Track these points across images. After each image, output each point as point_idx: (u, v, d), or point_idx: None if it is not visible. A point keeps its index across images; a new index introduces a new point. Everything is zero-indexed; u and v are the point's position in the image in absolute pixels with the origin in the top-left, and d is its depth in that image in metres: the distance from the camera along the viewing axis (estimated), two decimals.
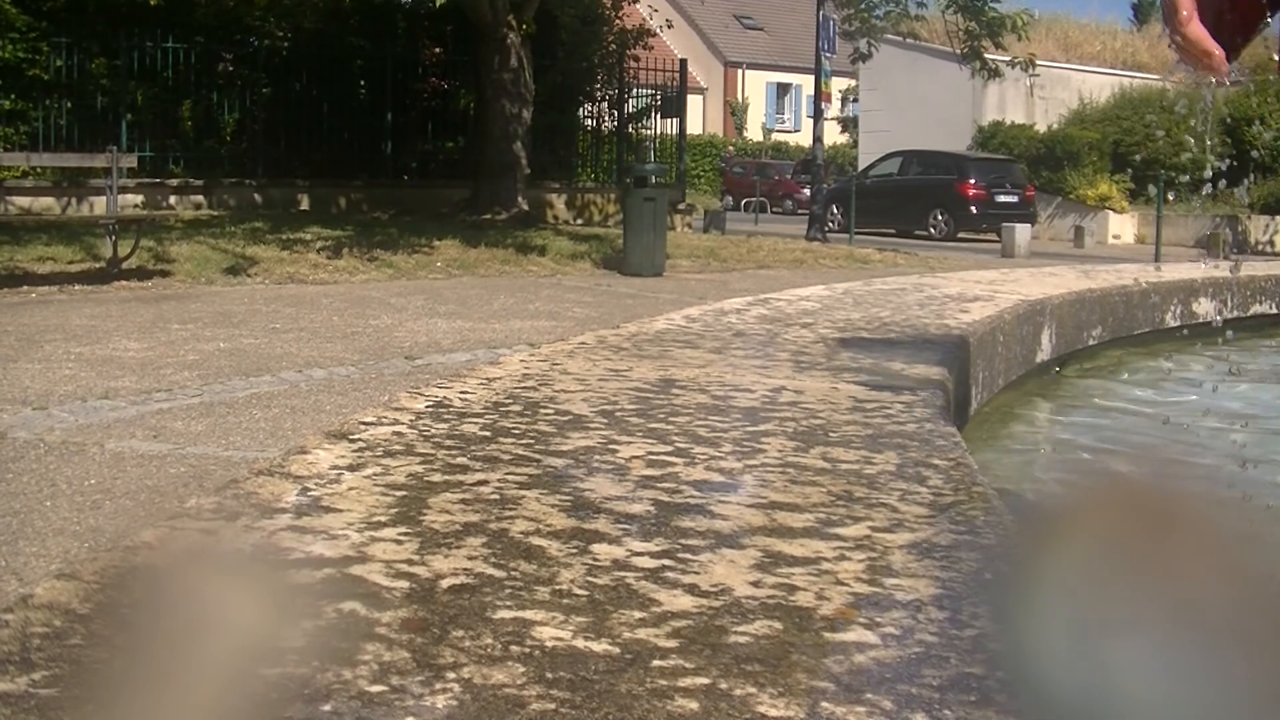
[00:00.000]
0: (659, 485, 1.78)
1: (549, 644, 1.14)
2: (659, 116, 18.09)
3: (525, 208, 14.41)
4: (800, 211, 26.54)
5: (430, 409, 2.35)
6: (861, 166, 25.70)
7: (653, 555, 1.43)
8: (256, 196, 14.59)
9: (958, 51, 17.48)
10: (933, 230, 21.81)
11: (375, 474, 1.80)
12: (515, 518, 1.58)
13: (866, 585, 1.34)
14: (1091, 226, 22.42)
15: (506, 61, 14.07)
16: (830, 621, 1.23)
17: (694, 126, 35.95)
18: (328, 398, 4.89)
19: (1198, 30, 1.44)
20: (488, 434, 2.14)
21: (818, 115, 18.39)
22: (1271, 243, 21.91)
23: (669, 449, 2.04)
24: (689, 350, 3.39)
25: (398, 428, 2.16)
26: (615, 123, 17.86)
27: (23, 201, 12.48)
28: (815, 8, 18.15)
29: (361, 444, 2.00)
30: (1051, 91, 25.73)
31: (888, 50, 21.37)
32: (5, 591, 2.55)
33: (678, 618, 1.22)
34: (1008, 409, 4.81)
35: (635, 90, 17.89)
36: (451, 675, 1.06)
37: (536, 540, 1.48)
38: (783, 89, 45.27)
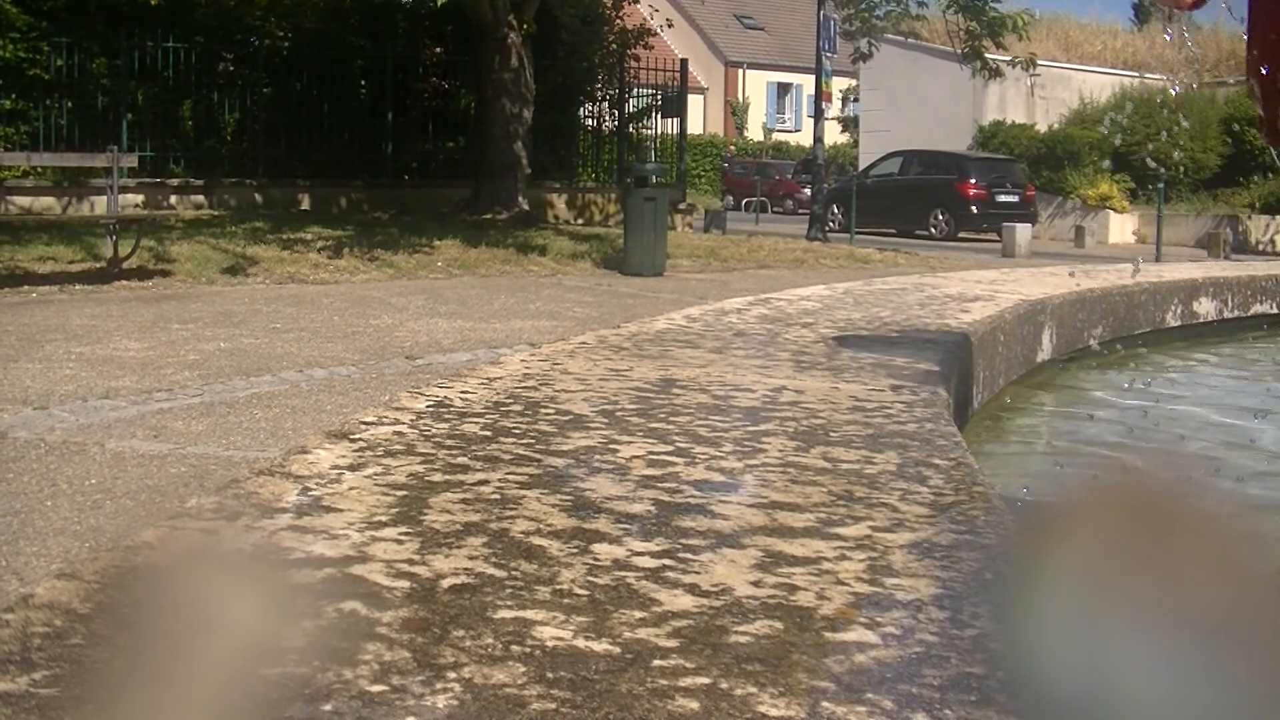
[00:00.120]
0: (660, 485, 1.78)
1: (550, 644, 1.14)
2: (659, 116, 18.08)
3: (526, 207, 14.41)
4: (801, 211, 26.53)
5: (431, 409, 2.35)
6: (862, 166, 25.68)
7: (653, 555, 1.43)
8: (257, 196, 14.59)
9: (958, 51, 17.48)
10: (933, 230, 21.80)
11: (376, 474, 1.80)
12: (516, 517, 1.58)
13: (867, 585, 1.34)
14: (1092, 226, 22.41)
15: (507, 61, 14.07)
16: (831, 621, 1.23)
17: (694, 126, 35.94)
18: (328, 397, 4.89)
19: None
20: (488, 434, 2.14)
21: (818, 115, 18.38)
22: (1273, 242, 21.90)
23: (670, 449, 2.04)
24: (690, 350, 3.39)
25: (398, 427, 2.16)
26: (616, 122, 17.85)
27: (23, 201, 12.48)
28: (816, 7, 18.14)
29: (362, 444, 2.00)
30: (1052, 91, 25.73)
31: (888, 50, 21.38)
32: (6, 591, 2.55)
33: (678, 617, 1.22)
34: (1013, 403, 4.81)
35: (636, 90, 17.89)
36: (452, 675, 1.06)
37: (537, 540, 1.48)
38: (783, 89, 45.26)
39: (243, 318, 7.25)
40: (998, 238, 19.08)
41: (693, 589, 1.31)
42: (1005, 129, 25.32)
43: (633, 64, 17.43)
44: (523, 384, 2.71)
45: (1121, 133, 21.12)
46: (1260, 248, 21.54)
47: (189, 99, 14.58)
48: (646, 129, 18.09)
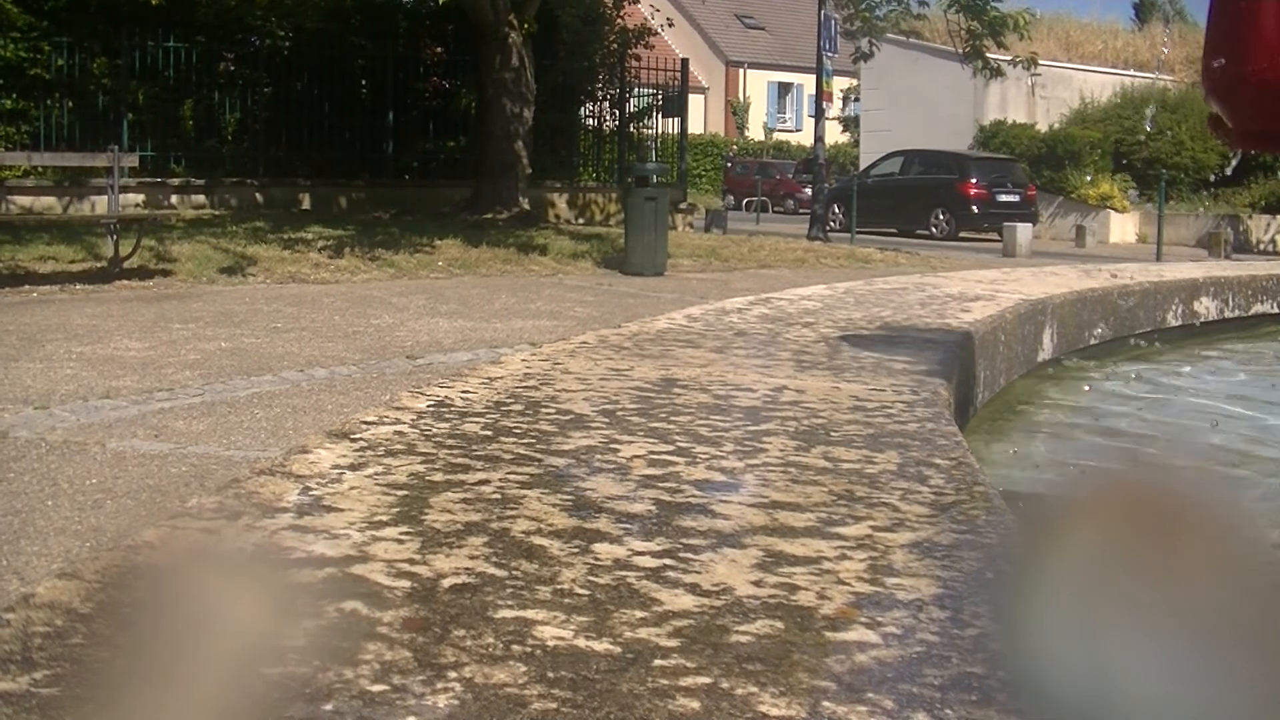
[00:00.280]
0: (660, 485, 1.78)
1: (550, 643, 1.14)
2: (660, 116, 18.09)
3: (527, 207, 14.42)
4: (802, 211, 26.53)
5: (432, 408, 2.35)
6: (863, 166, 25.69)
7: (654, 555, 1.43)
8: (258, 196, 14.59)
9: (959, 51, 17.49)
10: (934, 230, 21.80)
11: (377, 473, 1.80)
12: (517, 517, 1.58)
13: (868, 584, 1.34)
14: (1093, 226, 22.41)
15: (508, 61, 14.08)
16: (832, 621, 1.23)
17: (695, 126, 35.94)
18: (329, 397, 4.89)
19: None
20: (489, 433, 2.14)
21: (819, 115, 18.38)
22: (1274, 242, 21.90)
23: (670, 448, 2.04)
24: (690, 349, 3.39)
25: (399, 427, 2.16)
26: (617, 122, 17.86)
27: (24, 201, 12.49)
28: (817, 7, 18.14)
29: (363, 443, 2.00)
30: (1053, 91, 25.73)
31: (889, 50, 21.38)
32: (7, 591, 2.55)
33: (679, 617, 1.22)
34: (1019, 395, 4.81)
35: (636, 90, 17.90)
36: (453, 674, 1.06)
37: (538, 540, 1.48)
38: (784, 88, 45.27)
39: (244, 317, 7.25)
40: (998, 237, 19.09)
41: (693, 589, 1.31)
42: (1006, 128, 25.33)
43: (633, 63, 17.43)
44: (523, 383, 2.71)
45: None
46: (1261, 247, 21.55)
47: (190, 98, 14.59)
48: (647, 129, 18.10)
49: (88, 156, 10.82)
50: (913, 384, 2.85)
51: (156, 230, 10.37)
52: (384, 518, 1.55)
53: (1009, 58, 16.97)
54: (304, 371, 5.45)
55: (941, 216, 21.88)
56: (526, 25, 14.17)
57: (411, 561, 1.38)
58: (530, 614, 1.22)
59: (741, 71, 44.57)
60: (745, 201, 28.87)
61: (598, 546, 1.46)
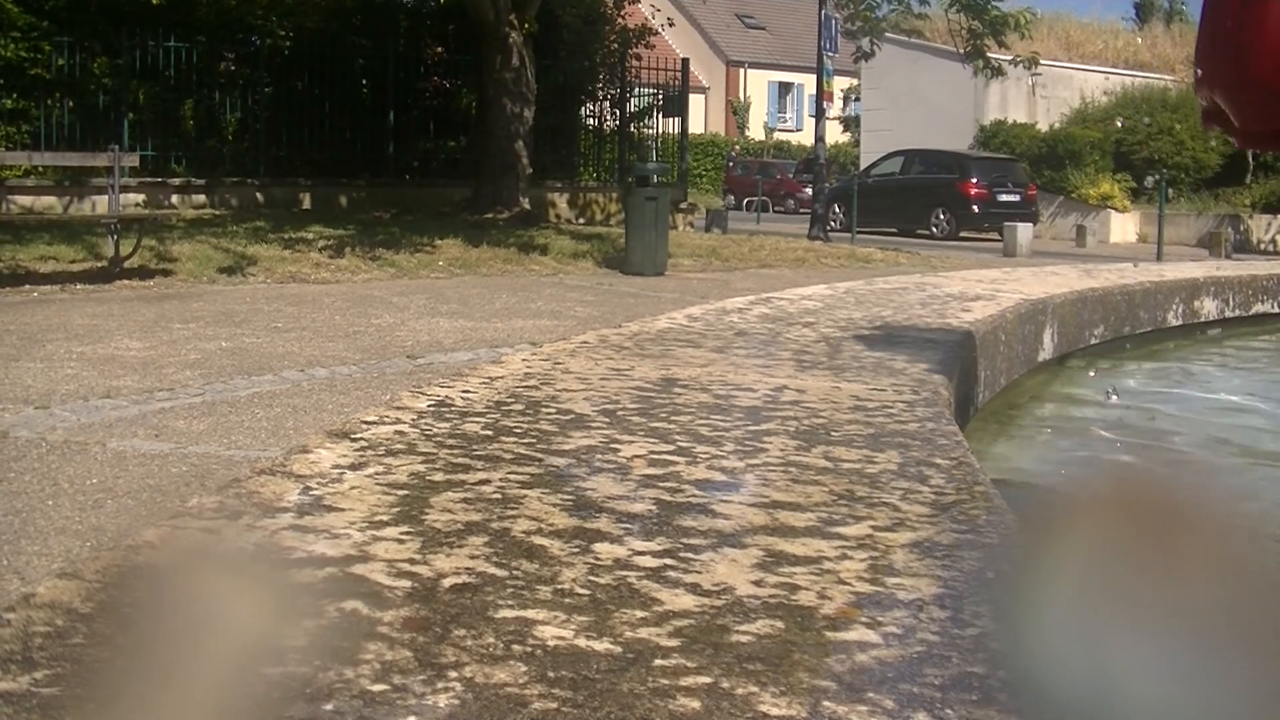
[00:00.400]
0: (661, 484, 1.78)
1: (551, 643, 1.14)
2: (661, 116, 18.07)
3: (527, 207, 14.41)
4: (802, 211, 26.51)
5: (432, 408, 2.35)
6: (863, 165, 25.67)
7: (655, 554, 1.43)
8: (258, 195, 14.59)
9: (960, 50, 17.47)
10: (935, 229, 21.79)
11: (377, 473, 1.80)
12: (517, 517, 1.58)
13: (868, 584, 1.34)
14: (1093, 226, 22.40)
15: (509, 60, 14.07)
16: (832, 621, 1.23)
17: (696, 126, 35.93)
18: (330, 397, 4.89)
19: None
20: (490, 433, 2.14)
21: (820, 114, 18.37)
22: (1274, 242, 21.89)
23: (671, 448, 2.04)
24: (691, 349, 3.39)
25: (400, 427, 2.16)
26: (617, 122, 17.85)
27: (25, 200, 12.49)
28: (817, 7, 18.13)
29: (363, 443, 2.00)
30: (1053, 90, 25.72)
31: (890, 49, 21.36)
32: (7, 590, 2.55)
33: (680, 617, 1.22)
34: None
35: (637, 89, 17.89)
36: (453, 674, 1.06)
37: (538, 539, 1.48)
38: (784, 88, 45.25)
39: (244, 317, 7.25)
40: (999, 237, 19.07)
41: (694, 588, 1.31)
42: (1006, 128, 25.31)
43: (634, 63, 17.42)
44: (524, 383, 2.71)
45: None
46: (1262, 247, 21.54)
47: (190, 98, 14.59)
48: (648, 128, 18.08)
49: (88, 156, 10.81)
50: (913, 384, 2.85)
51: (157, 230, 10.37)
52: (384, 517, 1.55)
53: (1010, 57, 16.96)
54: (304, 371, 5.45)
55: (942, 216, 21.87)
56: (527, 25, 14.17)
57: (412, 561, 1.38)
58: (531, 614, 1.22)
59: (742, 71, 44.55)
60: (746, 201, 28.86)
61: (598, 546, 1.46)
